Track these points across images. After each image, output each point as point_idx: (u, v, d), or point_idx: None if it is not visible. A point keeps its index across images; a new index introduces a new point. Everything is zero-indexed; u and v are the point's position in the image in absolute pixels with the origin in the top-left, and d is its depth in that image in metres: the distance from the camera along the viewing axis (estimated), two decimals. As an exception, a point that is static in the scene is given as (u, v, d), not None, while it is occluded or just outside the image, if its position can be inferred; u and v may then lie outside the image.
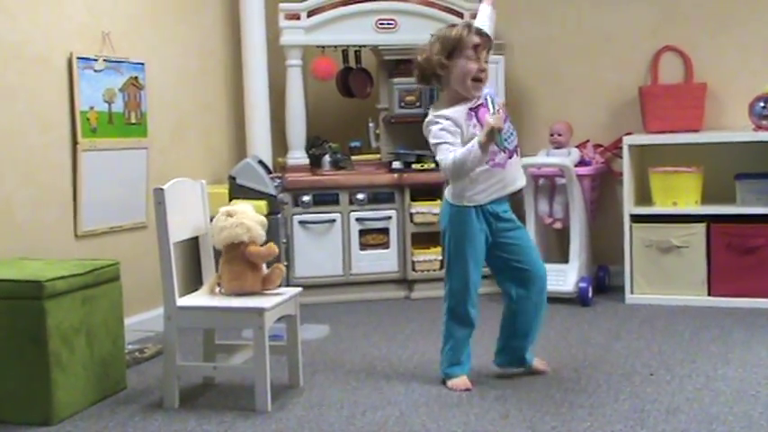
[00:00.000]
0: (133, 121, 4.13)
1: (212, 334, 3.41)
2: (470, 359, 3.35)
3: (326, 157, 5.02)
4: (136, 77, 4.13)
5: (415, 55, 3.31)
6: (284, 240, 4.15)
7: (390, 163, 5.03)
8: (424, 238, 4.94)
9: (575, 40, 5.08)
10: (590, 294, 4.60)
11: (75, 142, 3.80)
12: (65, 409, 3.03)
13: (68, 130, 3.78)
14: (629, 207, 4.63)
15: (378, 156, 5.12)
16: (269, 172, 4.23)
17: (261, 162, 4.23)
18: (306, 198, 4.81)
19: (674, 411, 2.93)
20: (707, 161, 4.67)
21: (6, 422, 3.00)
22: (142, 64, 4.17)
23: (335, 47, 5.07)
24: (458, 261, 3.30)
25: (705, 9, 4.87)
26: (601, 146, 5.00)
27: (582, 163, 4.83)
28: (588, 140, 4.99)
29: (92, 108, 3.88)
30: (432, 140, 3.22)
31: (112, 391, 3.30)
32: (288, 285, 3.48)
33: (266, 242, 3.25)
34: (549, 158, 4.78)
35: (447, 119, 3.19)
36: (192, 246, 3.51)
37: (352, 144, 5.19)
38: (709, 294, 4.50)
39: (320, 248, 4.83)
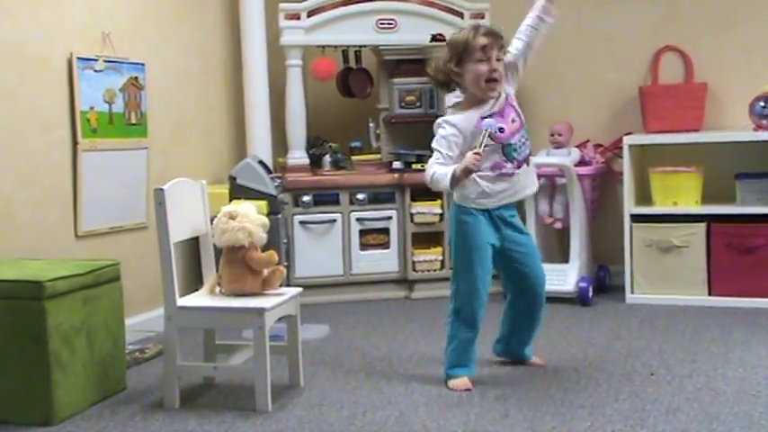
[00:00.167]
0: (133, 121, 4.13)
1: (213, 334, 3.41)
2: (475, 361, 3.35)
3: (327, 158, 5.02)
4: (136, 78, 4.14)
5: (430, 64, 3.33)
6: (284, 240, 4.15)
7: (391, 163, 5.03)
8: (425, 238, 4.94)
9: (575, 40, 5.08)
10: (590, 294, 4.61)
11: (75, 142, 3.80)
12: (65, 409, 3.03)
13: (69, 130, 3.78)
14: (630, 207, 4.63)
15: (378, 156, 5.13)
16: (269, 172, 4.23)
17: (261, 162, 4.23)
18: (306, 198, 4.81)
19: (674, 411, 2.93)
20: (707, 161, 4.67)
21: (7, 422, 3.00)
22: (142, 64, 4.17)
23: (336, 47, 5.07)
24: (465, 263, 3.31)
25: (705, 9, 4.87)
26: (601, 146, 5.00)
27: (582, 163, 4.83)
28: (588, 140, 4.99)
29: (92, 108, 3.88)
30: (433, 143, 3.26)
31: (113, 392, 3.30)
32: (288, 285, 3.48)
33: (267, 243, 3.25)
34: (549, 158, 4.78)
35: (453, 126, 3.21)
36: (193, 246, 3.51)
37: (353, 144, 5.20)
38: (709, 294, 4.50)
39: (320, 248, 4.83)
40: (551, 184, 4.80)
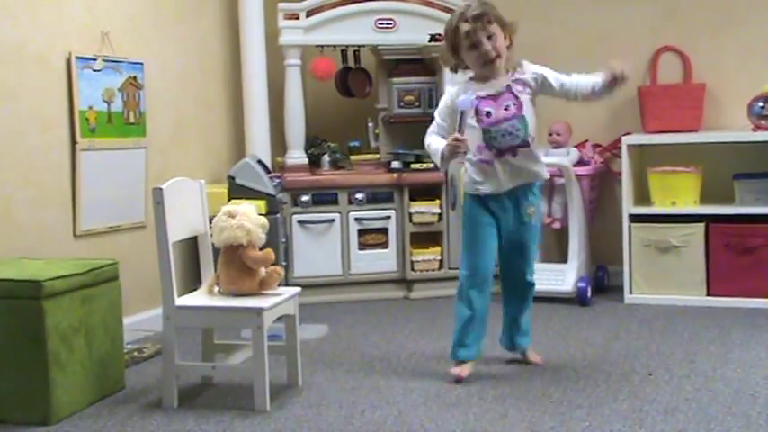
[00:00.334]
0: (132, 120, 4.13)
1: (211, 333, 3.41)
2: (478, 345, 3.36)
3: (325, 157, 5.02)
4: (135, 77, 4.13)
5: (440, 54, 3.42)
6: (283, 240, 4.14)
7: (389, 163, 5.03)
8: (423, 238, 4.94)
9: (574, 40, 5.08)
10: (589, 294, 4.60)
11: (73, 142, 3.80)
12: (63, 408, 3.03)
13: (67, 129, 3.78)
14: (628, 207, 4.63)
15: (377, 156, 5.13)
16: (268, 172, 4.23)
17: (260, 162, 4.23)
18: (305, 198, 4.81)
19: (672, 411, 2.93)
20: (706, 161, 4.67)
21: (5, 422, 3.00)
22: (141, 64, 4.17)
23: (334, 47, 5.07)
24: (464, 246, 3.38)
25: (704, 9, 4.87)
26: (600, 146, 5.01)
27: (581, 163, 4.83)
28: (587, 140, 4.99)
29: (90, 108, 3.88)
30: None
31: (111, 391, 3.30)
32: (287, 285, 3.48)
33: (266, 242, 3.25)
34: (547, 158, 4.75)
35: (449, 95, 3.32)
36: (191, 245, 3.51)
37: (351, 144, 5.20)
38: (707, 294, 4.50)
39: (319, 248, 4.83)
40: (550, 184, 4.79)
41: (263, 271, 3.22)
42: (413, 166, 4.91)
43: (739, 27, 4.81)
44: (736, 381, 3.24)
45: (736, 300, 4.42)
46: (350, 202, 4.86)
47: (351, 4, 4.89)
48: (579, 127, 4.98)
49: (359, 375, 3.46)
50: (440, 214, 4.87)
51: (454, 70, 3.36)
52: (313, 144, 5.07)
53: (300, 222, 4.81)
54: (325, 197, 4.84)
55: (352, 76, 5.23)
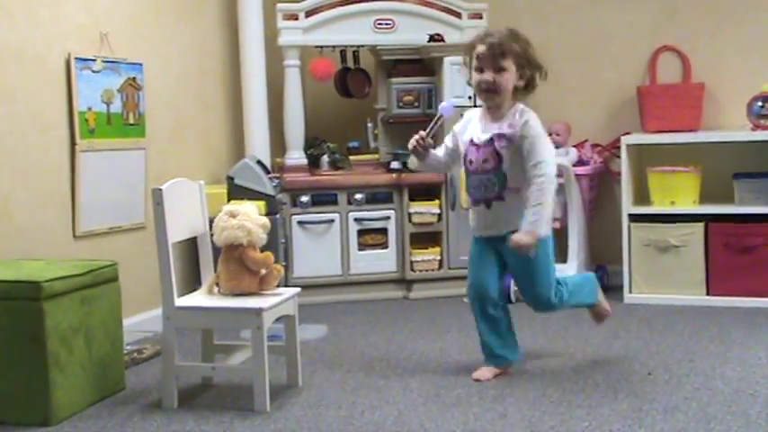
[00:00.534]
0: (131, 121, 4.13)
1: (211, 334, 3.41)
2: (494, 355, 3.37)
3: (325, 158, 5.02)
4: (134, 78, 4.13)
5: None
6: (283, 240, 4.14)
7: (389, 163, 5.03)
8: (423, 238, 4.94)
9: (573, 39, 5.09)
10: (588, 294, 4.60)
11: (73, 143, 3.79)
12: (63, 409, 3.03)
13: (66, 130, 3.78)
14: (628, 207, 4.63)
15: (376, 156, 5.13)
16: (267, 172, 4.23)
17: (259, 162, 4.23)
18: (304, 198, 4.81)
19: (672, 411, 2.93)
20: (705, 161, 4.67)
21: (5, 423, 3.00)
22: (140, 64, 4.17)
23: (333, 47, 5.07)
24: (468, 260, 3.46)
25: (703, 9, 4.88)
26: (599, 145, 5.01)
27: (580, 163, 4.84)
28: (586, 140, 5.00)
29: (90, 109, 3.88)
30: None
31: (111, 392, 3.30)
32: (286, 285, 3.48)
33: (266, 244, 3.25)
34: (547, 158, 4.77)
35: (461, 120, 3.40)
36: (191, 246, 3.51)
37: (351, 144, 5.20)
38: (707, 294, 4.50)
39: (319, 248, 4.83)
40: (549, 184, 4.80)
41: (262, 269, 3.22)
42: (412, 166, 4.92)
43: (738, 27, 4.82)
44: (735, 380, 3.24)
45: (735, 299, 4.42)
46: (349, 203, 4.86)
47: (350, 4, 4.89)
48: (578, 127, 4.98)
49: (359, 375, 3.46)
50: (439, 214, 4.87)
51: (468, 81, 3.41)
52: (312, 144, 5.08)
53: (300, 223, 4.81)
54: (324, 197, 4.84)
55: (351, 76, 5.23)
